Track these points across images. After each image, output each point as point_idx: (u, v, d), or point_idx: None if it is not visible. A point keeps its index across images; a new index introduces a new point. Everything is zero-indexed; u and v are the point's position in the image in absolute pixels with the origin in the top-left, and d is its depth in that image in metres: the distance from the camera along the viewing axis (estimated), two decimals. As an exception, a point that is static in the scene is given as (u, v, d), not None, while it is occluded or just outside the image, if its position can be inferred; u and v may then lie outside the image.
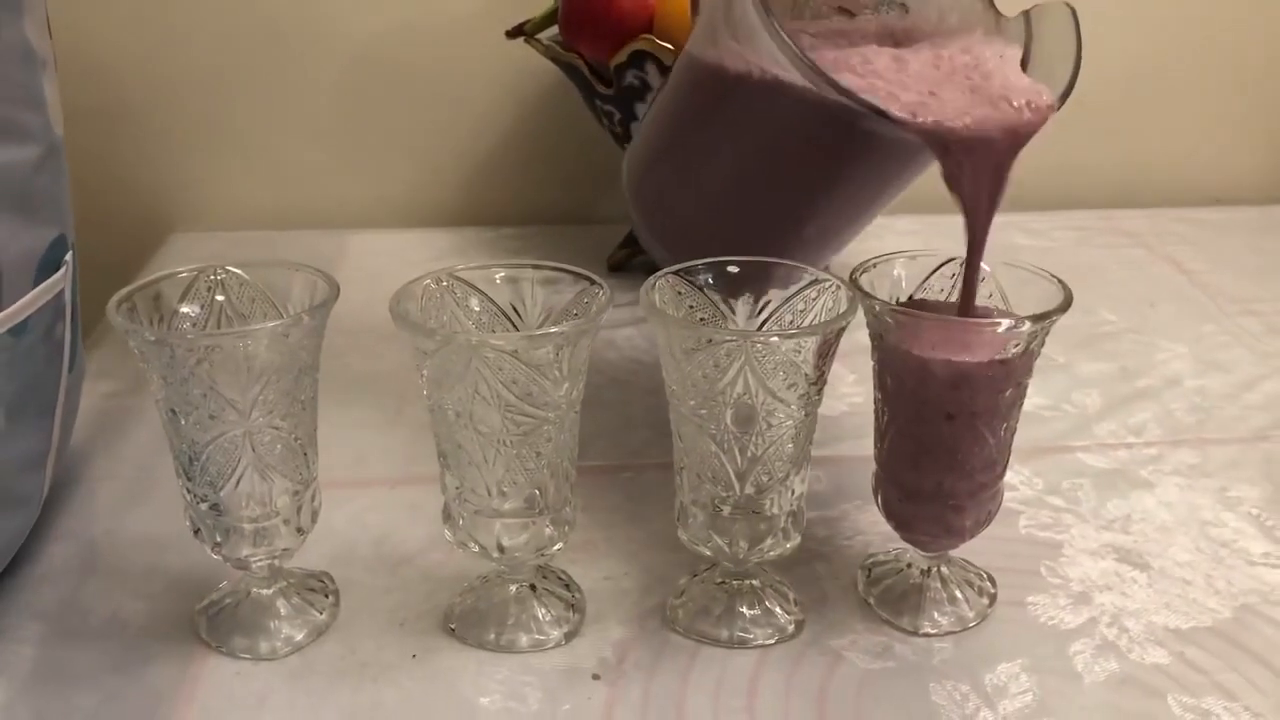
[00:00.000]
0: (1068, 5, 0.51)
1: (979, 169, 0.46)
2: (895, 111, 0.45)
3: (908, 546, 0.51)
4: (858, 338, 0.47)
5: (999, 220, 1.01)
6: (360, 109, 0.94)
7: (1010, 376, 0.45)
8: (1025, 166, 1.05)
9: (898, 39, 0.55)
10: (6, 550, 0.50)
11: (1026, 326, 0.44)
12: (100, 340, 0.76)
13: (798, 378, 0.43)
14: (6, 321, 0.46)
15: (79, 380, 0.57)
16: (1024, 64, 0.51)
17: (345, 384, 0.67)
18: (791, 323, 0.47)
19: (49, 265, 0.50)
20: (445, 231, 0.95)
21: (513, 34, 0.83)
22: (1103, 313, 0.80)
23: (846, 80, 0.47)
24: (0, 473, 0.48)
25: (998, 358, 0.44)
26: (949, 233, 0.96)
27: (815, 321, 0.46)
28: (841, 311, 0.44)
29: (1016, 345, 0.44)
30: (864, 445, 0.60)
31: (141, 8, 0.89)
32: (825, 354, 0.44)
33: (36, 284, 0.49)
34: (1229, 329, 0.79)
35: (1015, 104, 0.47)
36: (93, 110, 0.91)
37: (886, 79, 0.49)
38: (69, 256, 0.52)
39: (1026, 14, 0.52)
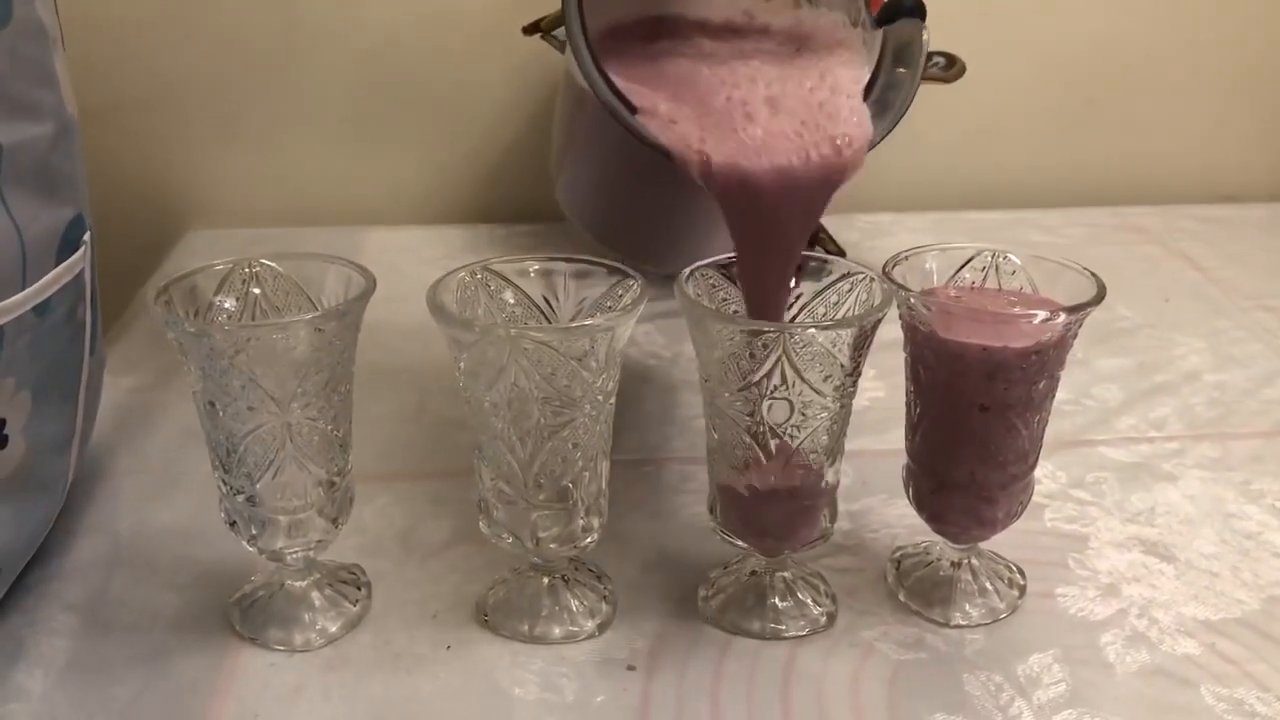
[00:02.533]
0: (918, 23, 0.50)
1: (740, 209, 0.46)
2: (661, 141, 0.45)
3: (936, 539, 0.51)
4: (880, 333, 0.47)
5: (1013, 216, 1.02)
6: (375, 106, 0.94)
7: (1044, 368, 0.45)
8: (1037, 163, 1.06)
9: (798, 43, 0.54)
10: (34, 535, 0.50)
11: (1062, 317, 0.44)
12: (121, 335, 0.76)
13: (834, 369, 0.43)
14: (31, 299, 0.46)
15: (100, 366, 0.57)
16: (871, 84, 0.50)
17: (365, 379, 0.66)
18: (825, 315, 0.47)
19: (69, 245, 0.50)
20: (460, 228, 0.95)
21: (529, 30, 0.83)
22: (1119, 308, 0.80)
23: (650, 98, 0.47)
24: (29, 455, 0.48)
25: (1032, 348, 0.44)
26: (961, 229, 0.96)
27: (849, 314, 0.47)
28: (876, 304, 0.45)
29: (1050, 336, 0.44)
30: (886, 439, 0.60)
31: (157, 4, 0.89)
32: (861, 346, 0.44)
33: (58, 263, 0.49)
34: (1244, 324, 0.79)
35: (812, 150, 0.46)
36: (108, 107, 0.91)
37: (698, 103, 0.48)
38: (87, 237, 0.52)
39: (885, 32, 0.52)
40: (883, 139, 0.48)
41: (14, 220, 0.45)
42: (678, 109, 0.48)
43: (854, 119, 0.48)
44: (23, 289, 0.46)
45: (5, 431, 0.46)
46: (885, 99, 0.50)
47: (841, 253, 0.86)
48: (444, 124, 0.96)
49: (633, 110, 0.48)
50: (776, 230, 0.46)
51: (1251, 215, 1.00)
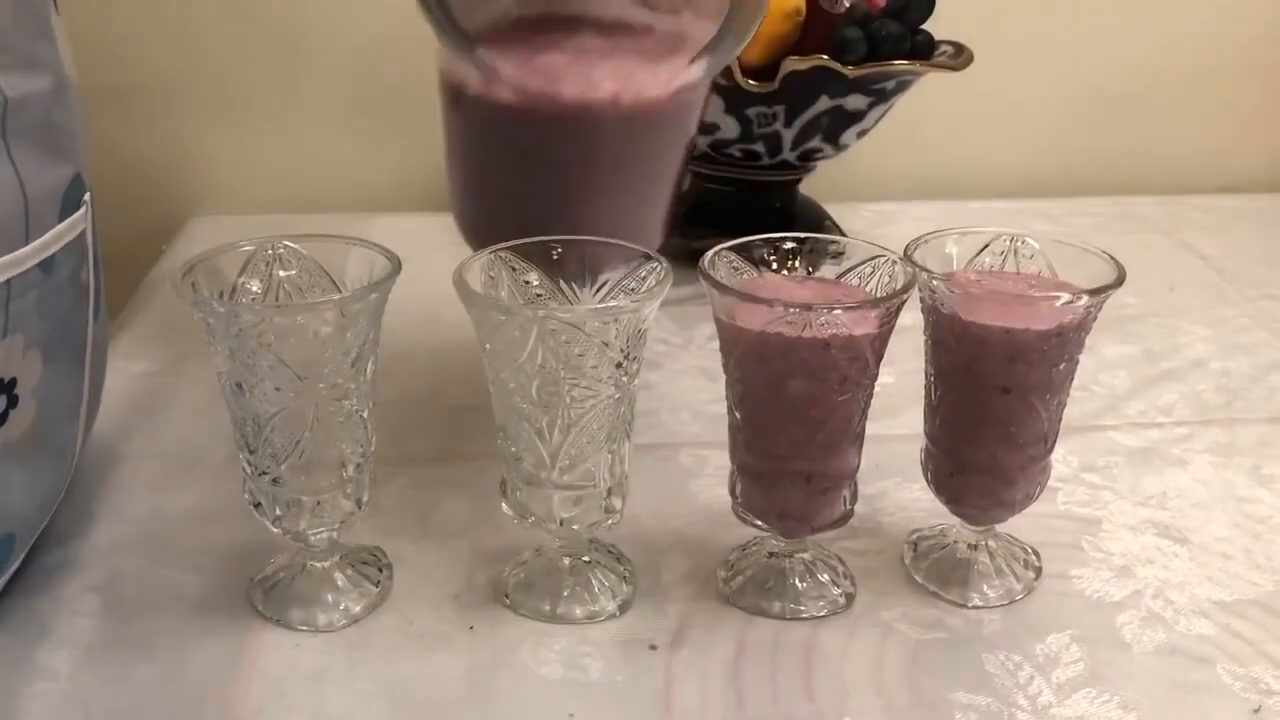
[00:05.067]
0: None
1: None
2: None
3: (952, 521, 0.51)
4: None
5: (1016, 205, 1.02)
6: (380, 92, 0.94)
7: (1064, 350, 0.46)
8: (1040, 152, 1.06)
9: (673, 45, 0.55)
10: (46, 504, 0.50)
11: (1084, 300, 0.44)
12: (130, 320, 0.76)
13: (859, 351, 0.44)
14: (35, 254, 0.46)
15: (104, 334, 0.56)
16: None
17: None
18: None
19: (70, 204, 0.49)
20: (466, 215, 0.95)
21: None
22: (1124, 296, 0.80)
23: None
24: (39, 418, 0.48)
25: (1054, 330, 0.45)
26: (965, 218, 0.96)
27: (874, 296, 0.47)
28: (900, 286, 0.45)
29: (1071, 319, 0.45)
30: (897, 424, 0.61)
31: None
32: (885, 327, 0.44)
33: (60, 221, 0.48)
34: (1248, 312, 0.80)
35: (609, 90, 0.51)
36: (112, 93, 0.90)
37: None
38: (87, 197, 0.51)
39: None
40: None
41: (18, 174, 0.45)
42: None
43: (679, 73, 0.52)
44: (26, 244, 0.45)
45: (16, 391, 0.46)
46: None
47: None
48: (450, 111, 0.95)
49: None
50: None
51: (1253, 205, 1.00)
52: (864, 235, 0.90)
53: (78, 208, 0.50)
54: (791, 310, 0.42)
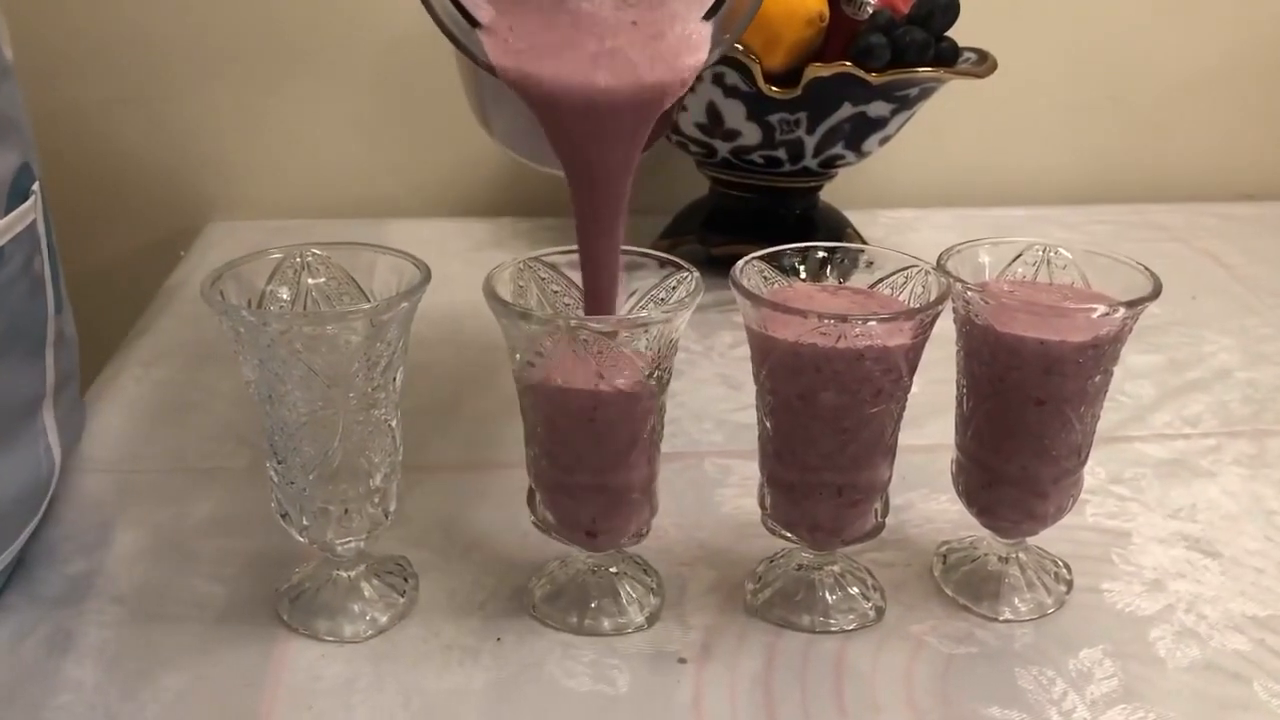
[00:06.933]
0: None
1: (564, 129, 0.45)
2: (476, 50, 0.43)
3: (981, 534, 0.51)
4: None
5: (1035, 213, 1.02)
6: (398, 97, 0.94)
7: (1100, 362, 0.45)
8: (1059, 160, 1.05)
9: None
10: (23, 497, 0.49)
11: (1121, 312, 0.44)
12: (148, 327, 0.75)
13: (892, 362, 0.43)
14: None
15: (69, 324, 0.55)
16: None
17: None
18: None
19: (18, 194, 0.48)
20: (483, 221, 0.94)
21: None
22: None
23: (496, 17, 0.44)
24: None
25: (1090, 342, 0.44)
26: (984, 226, 0.96)
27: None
28: (934, 297, 0.44)
29: (1107, 330, 0.44)
30: (920, 435, 0.60)
31: (180, -6, 0.89)
32: (919, 338, 0.44)
33: (8, 212, 0.47)
34: (1272, 321, 0.79)
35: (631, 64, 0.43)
36: (130, 99, 0.91)
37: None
38: (36, 186, 0.50)
39: None
40: (718, 57, 0.46)
41: None
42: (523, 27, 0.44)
43: (688, 45, 0.45)
44: None
45: None
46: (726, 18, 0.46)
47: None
48: (467, 115, 0.95)
49: (475, 24, 0.45)
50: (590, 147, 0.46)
51: (1273, 213, 1.00)
52: (883, 243, 0.90)
53: (26, 198, 0.49)
54: (826, 321, 0.42)
